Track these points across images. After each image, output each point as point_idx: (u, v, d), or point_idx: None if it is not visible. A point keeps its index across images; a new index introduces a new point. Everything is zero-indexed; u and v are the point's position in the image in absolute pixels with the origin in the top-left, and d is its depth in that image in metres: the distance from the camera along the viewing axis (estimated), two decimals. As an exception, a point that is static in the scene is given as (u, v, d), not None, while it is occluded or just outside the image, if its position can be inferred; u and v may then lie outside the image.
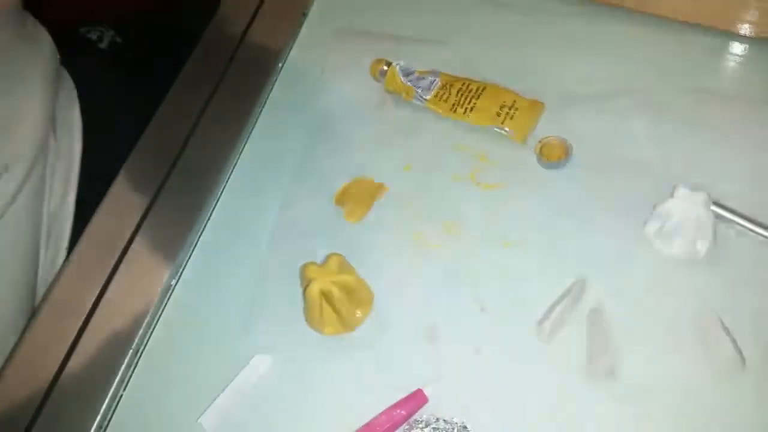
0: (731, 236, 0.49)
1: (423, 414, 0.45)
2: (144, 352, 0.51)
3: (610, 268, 0.49)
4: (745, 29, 0.58)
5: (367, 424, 0.45)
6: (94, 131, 0.68)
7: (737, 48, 0.59)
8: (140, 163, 0.61)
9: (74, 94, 0.69)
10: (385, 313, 0.50)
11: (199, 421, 0.47)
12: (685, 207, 0.47)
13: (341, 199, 0.57)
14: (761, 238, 0.48)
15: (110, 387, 0.49)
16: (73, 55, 0.70)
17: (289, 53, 0.67)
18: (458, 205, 0.55)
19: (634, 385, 0.44)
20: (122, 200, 0.59)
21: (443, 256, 0.52)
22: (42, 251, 0.63)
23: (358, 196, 0.57)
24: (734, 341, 0.44)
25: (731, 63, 0.58)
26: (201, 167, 0.60)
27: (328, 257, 0.49)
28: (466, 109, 0.58)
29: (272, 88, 0.65)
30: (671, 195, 0.48)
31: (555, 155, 0.55)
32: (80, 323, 0.52)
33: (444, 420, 0.44)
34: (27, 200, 0.60)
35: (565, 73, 0.60)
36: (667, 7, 0.60)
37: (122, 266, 0.55)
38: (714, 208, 0.48)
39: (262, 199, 0.58)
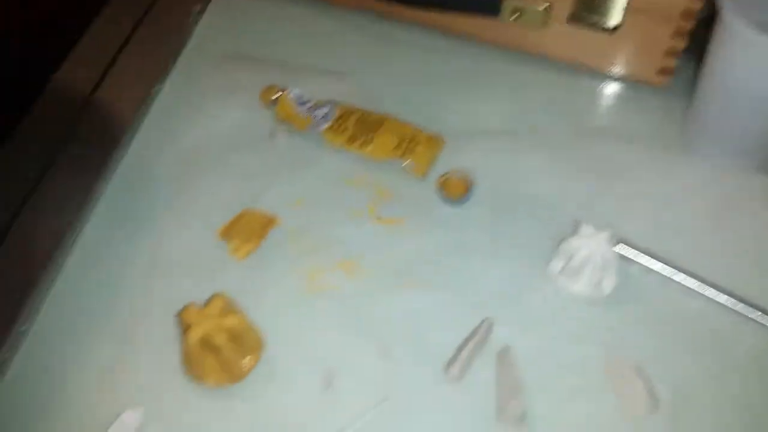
0: (634, 273, 0.49)
1: (321, 474, 0.39)
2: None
3: (516, 306, 0.47)
4: (620, 72, 0.61)
5: (256, 490, 0.39)
6: None
7: (619, 89, 0.61)
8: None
9: None
10: (277, 360, 0.45)
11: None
12: (590, 245, 0.46)
13: (227, 232, 0.52)
14: (665, 275, 0.48)
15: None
16: None
17: (163, 82, 0.61)
18: (356, 242, 0.51)
19: (547, 429, 0.42)
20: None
21: (340, 297, 0.48)
22: None
23: (247, 230, 0.51)
24: (645, 382, 0.43)
25: (619, 103, 0.61)
26: (59, 202, 0.52)
27: (210, 299, 0.43)
28: (364, 141, 0.56)
29: (144, 118, 0.58)
30: (575, 233, 0.47)
31: (457, 191, 0.53)
32: None
33: (346, 480, 0.38)
34: None
35: (464, 109, 0.60)
36: (554, 49, 0.61)
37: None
38: (621, 246, 0.48)
39: (129, 234, 0.51)
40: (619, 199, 0.53)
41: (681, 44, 0.57)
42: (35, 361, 0.45)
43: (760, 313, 0.46)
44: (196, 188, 0.54)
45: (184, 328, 0.42)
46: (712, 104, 0.53)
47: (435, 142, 0.56)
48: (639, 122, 0.59)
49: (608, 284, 0.47)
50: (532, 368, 0.44)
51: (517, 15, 0.60)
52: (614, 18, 0.58)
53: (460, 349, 0.44)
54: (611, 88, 0.61)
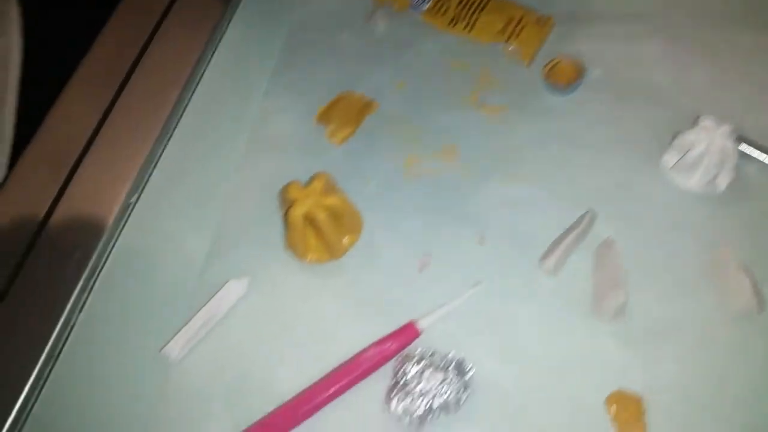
0: (752, 172, 0.46)
1: (416, 347, 0.41)
2: (101, 275, 0.46)
3: (622, 200, 0.46)
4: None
5: (354, 359, 0.41)
6: (36, 32, 0.61)
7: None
8: (93, 69, 0.54)
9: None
10: (374, 240, 0.46)
11: (162, 351, 0.42)
12: (709, 139, 0.43)
13: (325, 116, 0.52)
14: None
15: (61, 314, 0.44)
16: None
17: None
18: (456, 128, 0.50)
19: (643, 326, 0.41)
20: (73, 110, 0.52)
21: (439, 183, 0.48)
22: None
23: (345, 114, 0.52)
24: (753, 282, 0.41)
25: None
26: (161, 78, 0.53)
27: (312, 177, 0.44)
28: (467, 23, 0.54)
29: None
30: (693, 125, 0.44)
31: (565, 79, 0.51)
32: (25, 247, 0.46)
33: (440, 355, 0.40)
34: None
35: (576, -10, 0.56)
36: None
37: (73, 185, 0.49)
38: (740, 144, 0.45)
39: (232, 115, 0.53)
40: (742, 91, 0.49)
41: None
42: (145, 229, 0.48)
43: None
44: (296, 69, 0.54)
45: (288, 204, 0.43)
46: None
47: (543, 25, 0.53)
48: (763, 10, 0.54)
49: (723, 181, 0.44)
50: (633, 263, 0.43)
51: None
52: None
53: (558, 241, 0.44)
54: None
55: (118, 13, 0.56)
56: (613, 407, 0.39)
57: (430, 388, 0.38)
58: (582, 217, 0.45)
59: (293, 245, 0.45)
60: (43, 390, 0.42)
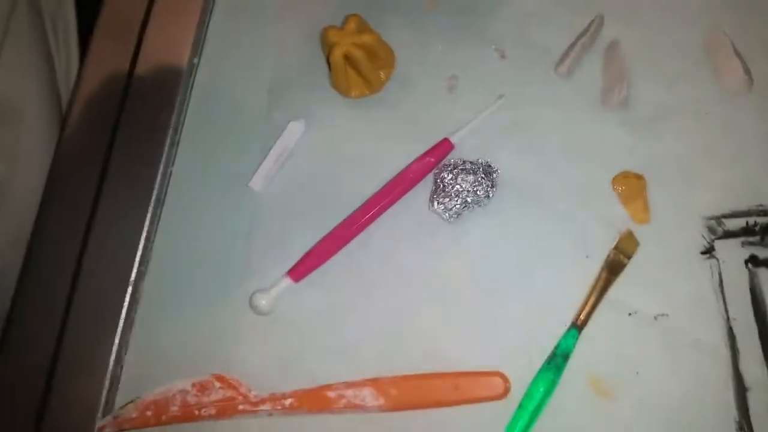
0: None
1: (451, 159, 0.50)
2: (183, 132, 0.55)
3: (627, 2, 0.50)
4: None
5: (401, 172, 0.50)
6: None
7: None
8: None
9: None
10: (407, 71, 0.53)
11: (248, 185, 0.52)
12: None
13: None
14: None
15: (158, 169, 0.54)
16: None
17: None
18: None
19: (645, 112, 0.48)
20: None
21: (460, 6, 0.53)
22: (54, 53, 0.64)
23: (367, -48, 0.56)
24: (743, 61, 0.46)
25: None
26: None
27: (346, 19, 0.50)
28: None
29: None
30: None
31: None
32: (113, 118, 0.55)
33: (470, 162, 0.49)
34: (25, 4, 0.60)
35: None
36: None
37: (142, 51, 0.56)
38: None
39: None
40: None
41: None
42: (210, 89, 0.56)
43: None
44: None
45: (328, 47, 0.50)
46: None
47: None
48: None
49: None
50: (638, 58, 0.49)
51: None
52: None
53: (570, 47, 0.50)
54: None
55: None
56: (619, 185, 0.47)
57: (463, 188, 0.48)
58: (591, 22, 0.50)
59: (338, 84, 0.52)
60: (157, 233, 0.53)
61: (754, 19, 0.48)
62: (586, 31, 0.49)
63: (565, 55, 0.49)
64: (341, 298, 0.50)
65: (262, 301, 0.50)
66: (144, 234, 0.53)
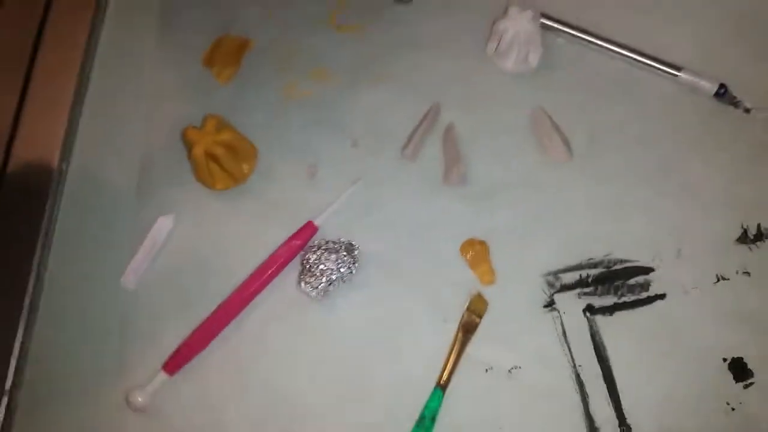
0: (561, 45, 0.57)
1: (315, 240, 0.53)
2: (54, 234, 0.56)
3: (458, 89, 0.57)
4: None
5: (270, 257, 0.53)
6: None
7: None
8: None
9: None
10: (269, 162, 0.57)
11: (120, 281, 0.53)
12: (515, 25, 0.53)
13: (209, 60, 0.61)
14: (584, 41, 0.56)
15: (30, 273, 0.54)
16: None
17: None
18: (322, 50, 0.60)
19: (482, 187, 0.54)
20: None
21: (314, 102, 0.58)
22: None
23: (225, 55, 0.60)
24: (562, 134, 0.53)
25: None
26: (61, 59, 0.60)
27: (204, 119, 0.54)
28: (315, -47, 0.61)
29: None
30: (504, 14, 0.54)
31: (404, -10, 0.60)
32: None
33: (332, 241, 0.52)
34: None
35: None
36: None
37: (11, 165, 0.57)
38: (543, 20, 0.55)
39: (128, 75, 0.61)
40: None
41: None
42: (79, 196, 0.57)
43: (665, 66, 0.54)
44: (175, 25, 0.62)
45: (189, 146, 0.53)
46: None
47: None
48: None
49: (534, 58, 0.55)
50: (472, 138, 0.55)
51: None
52: None
53: (413, 132, 0.55)
54: None
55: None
56: (466, 252, 0.52)
57: (327, 267, 0.51)
58: (429, 109, 0.56)
59: (202, 179, 0.55)
60: (32, 339, 0.53)
61: (567, 97, 0.55)
62: (425, 117, 0.55)
63: (409, 139, 0.55)
64: (217, 387, 0.51)
65: (138, 398, 0.50)
66: (18, 344, 0.52)
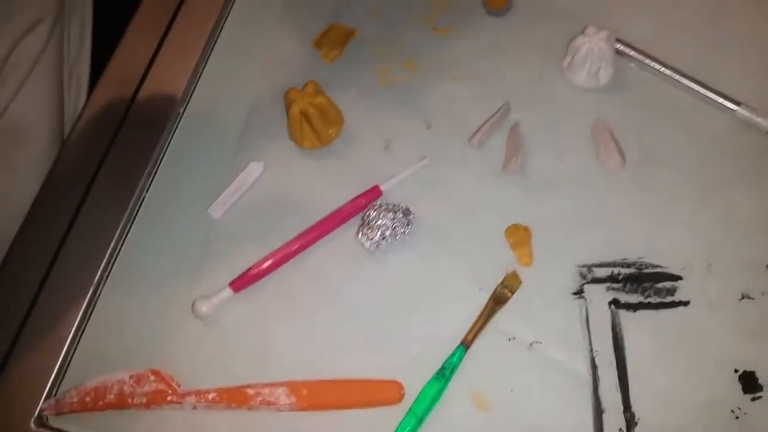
0: (631, 69, 0.61)
1: (378, 201, 0.59)
2: (162, 160, 0.65)
3: (530, 94, 0.62)
4: None
5: (337, 210, 0.59)
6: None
7: None
8: (149, 10, 0.72)
9: None
10: (353, 131, 0.64)
11: (208, 210, 0.61)
12: (590, 42, 0.58)
13: (319, 42, 0.69)
14: (653, 70, 0.60)
15: (136, 189, 0.63)
16: None
17: None
18: (416, 45, 0.67)
19: (537, 179, 0.58)
20: (132, 48, 0.70)
21: (401, 87, 0.65)
22: (66, 95, 0.75)
23: (333, 40, 0.68)
24: (619, 146, 0.57)
25: None
26: (198, 19, 0.71)
27: (305, 83, 0.62)
28: (425, -36, 0.69)
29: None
30: (582, 33, 0.60)
31: (498, 3, 0.66)
32: (109, 138, 0.66)
33: (392, 204, 0.58)
34: (53, 50, 0.72)
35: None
36: None
37: (139, 97, 0.67)
38: (618, 45, 0.60)
39: (250, 45, 0.70)
40: (631, 8, 0.64)
41: None
42: (193, 131, 0.66)
43: (725, 100, 0.57)
44: (296, 7, 0.71)
45: (288, 104, 0.61)
46: None
47: (484, -38, 0.68)
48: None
49: (605, 75, 0.60)
50: (535, 137, 0.60)
51: None
52: None
53: (482, 125, 0.61)
54: None
55: None
56: (510, 235, 0.56)
57: (384, 223, 0.57)
58: (500, 107, 0.61)
59: (294, 136, 0.63)
60: (125, 242, 0.61)
61: (629, 115, 0.59)
62: (495, 113, 0.61)
63: (477, 130, 0.60)
64: (271, 310, 0.57)
65: (203, 307, 0.57)
66: (112, 245, 0.61)
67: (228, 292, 0.58)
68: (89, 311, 0.58)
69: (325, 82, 0.64)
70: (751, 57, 0.60)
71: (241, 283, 0.58)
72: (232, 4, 0.72)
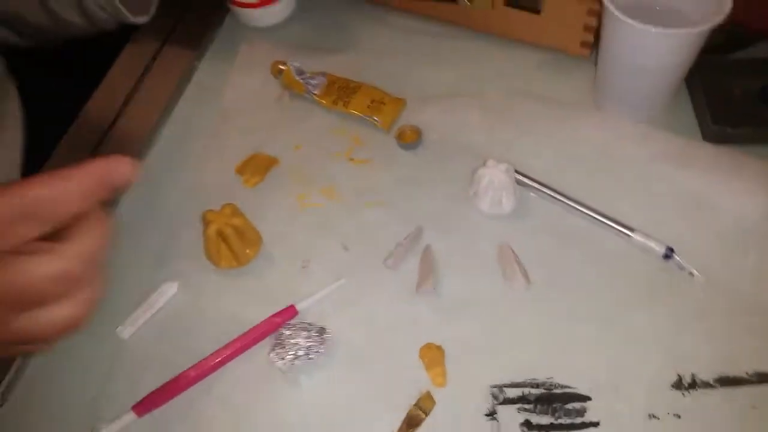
0: (532, 198, 0.64)
1: (293, 321, 0.57)
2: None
3: (441, 220, 0.63)
4: (550, 44, 0.75)
5: (251, 329, 0.57)
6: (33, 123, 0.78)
7: (550, 59, 0.75)
8: (76, 137, 0.72)
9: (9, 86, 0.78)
10: (271, 252, 0.63)
11: (117, 330, 0.58)
12: (491, 174, 0.61)
13: (241, 169, 0.70)
14: (552, 198, 0.63)
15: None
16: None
17: (202, 59, 0.80)
18: (335, 175, 0.68)
19: (449, 300, 0.58)
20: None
21: (320, 212, 0.65)
22: None
23: (255, 167, 0.69)
24: (523, 268, 0.59)
25: (547, 71, 0.75)
26: (130, 138, 0.71)
27: (223, 205, 0.61)
28: (345, 102, 0.72)
29: (189, 81, 0.78)
30: (483, 165, 0.63)
31: (409, 138, 0.69)
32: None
33: (308, 323, 0.56)
34: None
35: (423, 79, 0.75)
36: (498, 27, 0.76)
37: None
38: (517, 176, 0.63)
39: (176, 167, 0.70)
40: (530, 143, 0.68)
41: (594, 22, 0.71)
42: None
43: (620, 227, 0.60)
44: (223, 136, 0.72)
45: (205, 224, 0.60)
46: (606, 71, 0.67)
47: (398, 102, 0.72)
48: (561, 86, 0.73)
49: (507, 203, 0.62)
50: (445, 259, 0.60)
51: (470, 0, 0.75)
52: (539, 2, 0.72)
53: (396, 246, 0.61)
54: (543, 59, 0.76)
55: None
56: (424, 354, 0.55)
57: (297, 342, 0.54)
58: (414, 231, 0.62)
59: (210, 255, 0.61)
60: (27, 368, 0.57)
61: (531, 239, 0.61)
62: (408, 236, 0.62)
63: (393, 252, 0.61)
64: (177, 437, 0.53)
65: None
66: (14, 366, 0.56)
67: (131, 416, 0.53)
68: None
69: (246, 206, 0.64)
70: (644, 191, 0.64)
71: (144, 406, 0.53)
72: (164, 125, 0.73)
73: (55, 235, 0.36)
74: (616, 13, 0.59)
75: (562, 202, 0.63)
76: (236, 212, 0.61)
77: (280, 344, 0.55)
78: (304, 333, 0.55)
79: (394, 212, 0.65)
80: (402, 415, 0.52)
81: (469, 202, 0.64)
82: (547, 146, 0.68)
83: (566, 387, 0.53)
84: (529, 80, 0.74)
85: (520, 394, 0.53)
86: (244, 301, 0.60)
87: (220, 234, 0.60)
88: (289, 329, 0.56)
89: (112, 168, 0.37)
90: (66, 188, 0.36)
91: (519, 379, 0.54)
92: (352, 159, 0.70)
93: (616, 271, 0.60)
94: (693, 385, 0.53)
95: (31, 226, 0.35)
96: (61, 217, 0.36)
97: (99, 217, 0.38)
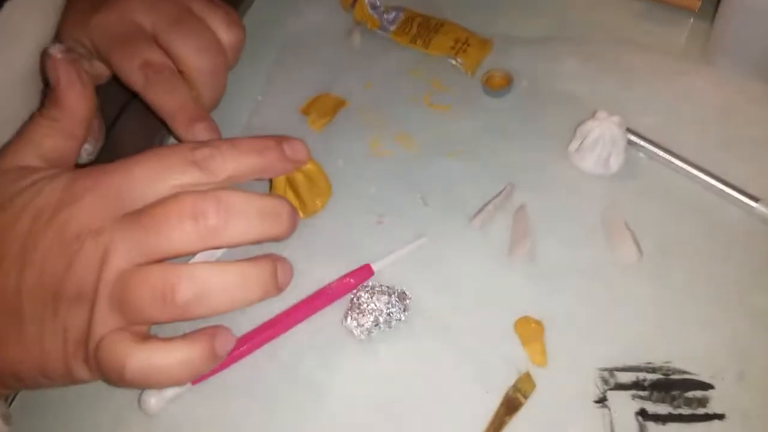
0: (641, 159, 0.55)
1: (369, 282, 0.48)
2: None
3: (535, 177, 0.54)
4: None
5: (322, 288, 0.48)
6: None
7: (657, 10, 0.65)
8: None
9: None
10: (341, 204, 0.54)
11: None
12: (602, 127, 0.52)
13: (306, 109, 0.60)
14: (665, 161, 0.54)
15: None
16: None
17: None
18: (411, 120, 0.59)
19: (546, 268, 0.49)
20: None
21: (394, 161, 0.56)
22: None
23: (322, 108, 0.60)
24: (634, 237, 0.50)
25: (654, 22, 0.64)
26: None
27: (294, 148, 0.52)
28: (425, 41, 0.63)
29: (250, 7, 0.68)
30: (592, 117, 0.53)
31: (498, 84, 0.60)
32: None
33: (387, 286, 0.48)
34: None
35: (513, 18, 0.65)
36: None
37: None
38: (628, 134, 0.54)
39: (234, 106, 0.61)
40: (638, 98, 0.58)
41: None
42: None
43: (742, 195, 0.51)
44: (286, 73, 0.63)
45: (273, 170, 0.51)
46: (730, 19, 0.57)
47: (485, 44, 0.62)
48: (669, 38, 0.63)
49: (615, 162, 0.53)
50: (542, 221, 0.51)
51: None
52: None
53: (484, 205, 0.52)
54: (647, 7, 0.65)
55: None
56: (520, 329, 0.47)
57: (377, 306, 0.46)
58: (504, 188, 0.53)
59: (276, 203, 0.52)
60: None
61: (641, 205, 0.52)
62: (498, 194, 0.53)
63: (480, 211, 0.52)
64: (236, 408, 0.45)
65: (152, 399, 0.44)
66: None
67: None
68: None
69: (312, 150, 0.55)
70: (765, 155, 0.54)
71: (200, 371, 0.45)
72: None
73: None
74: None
75: (676, 165, 0.53)
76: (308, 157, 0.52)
77: (357, 309, 0.46)
78: (384, 297, 0.46)
79: (480, 166, 0.55)
80: (497, 397, 0.44)
81: (567, 159, 0.55)
82: (657, 103, 0.58)
83: (685, 372, 0.45)
84: (634, 29, 0.64)
85: (635, 379, 0.45)
86: (309, 256, 0.51)
87: (289, 180, 0.51)
88: (366, 292, 0.47)
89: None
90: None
91: (632, 363, 0.45)
92: (430, 104, 0.60)
93: (737, 244, 0.50)
94: (830, 380, 0.45)
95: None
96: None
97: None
